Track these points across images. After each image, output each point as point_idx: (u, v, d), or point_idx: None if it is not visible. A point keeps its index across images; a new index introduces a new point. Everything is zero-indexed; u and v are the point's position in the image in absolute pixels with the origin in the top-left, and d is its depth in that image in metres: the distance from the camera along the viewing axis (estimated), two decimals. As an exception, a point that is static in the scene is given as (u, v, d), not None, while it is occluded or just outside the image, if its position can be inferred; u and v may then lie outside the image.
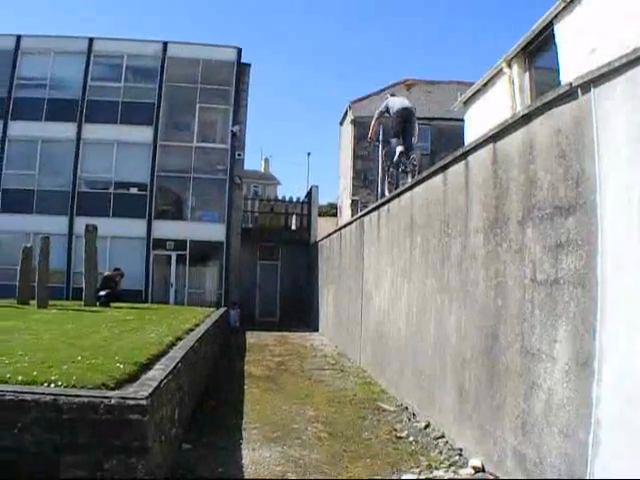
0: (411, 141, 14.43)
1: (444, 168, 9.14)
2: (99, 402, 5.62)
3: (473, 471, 6.88)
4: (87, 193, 29.24)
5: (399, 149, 14.00)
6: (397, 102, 14.86)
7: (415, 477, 6.74)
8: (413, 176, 12.83)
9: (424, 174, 10.28)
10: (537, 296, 5.97)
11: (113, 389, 6.13)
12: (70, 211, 28.57)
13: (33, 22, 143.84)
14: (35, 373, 6.37)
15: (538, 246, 5.99)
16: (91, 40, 29.95)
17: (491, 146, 7.31)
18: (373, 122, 15.69)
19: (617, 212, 4.84)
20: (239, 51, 30.75)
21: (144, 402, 5.71)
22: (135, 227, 28.59)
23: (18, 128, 28.86)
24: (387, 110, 14.88)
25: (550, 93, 5.86)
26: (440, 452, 7.78)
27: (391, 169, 14.96)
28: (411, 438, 8.50)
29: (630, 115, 4.76)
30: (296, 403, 10.74)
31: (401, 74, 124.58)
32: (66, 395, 5.70)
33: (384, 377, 12.52)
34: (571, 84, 5.47)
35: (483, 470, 6.86)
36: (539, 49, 15.68)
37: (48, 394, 5.69)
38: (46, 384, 6.03)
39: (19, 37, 29.75)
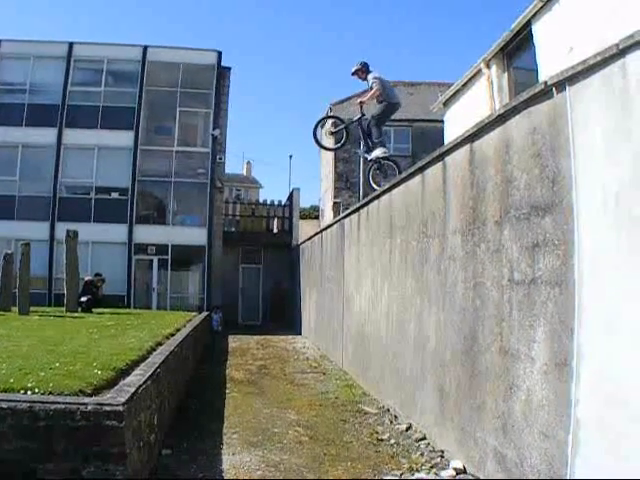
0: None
1: (422, 169, 9.13)
2: (75, 409, 5.59)
3: (454, 473, 6.85)
4: (68, 198, 29.05)
5: (382, 151, 13.25)
6: (393, 91, 13.53)
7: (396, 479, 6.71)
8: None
9: (402, 175, 10.27)
10: (515, 296, 5.95)
11: (90, 395, 6.10)
12: (51, 217, 28.37)
13: (12, 27, 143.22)
14: (12, 380, 6.35)
15: (515, 246, 5.98)
16: (71, 45, 29.78)
17: (468, 147, 7.30)
18: (375, 90, 13.03)
19: (593, 210, 4.83)
20: (219, 54, 30.64)
21: (121, 408, 5.68)
22: (116, 232, 28.41)
23: None
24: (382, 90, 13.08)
25: (525, 92, 5.85)
26: (422, 454, 7.76)
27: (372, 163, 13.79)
28: (392, 440, 8.48)
29: (606, 112, 4.76)
30: (277, 407, 10.69)
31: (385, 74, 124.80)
32: (42, 402, 5.67)
33: (366, 379, 12.49)
34: (546, 83, 5.46)
35: (464, 472, 6.84)
36: (517, 49, 15.68)
37: (24, 401, 5.66)
38: (22, 391, 5.99)
39: None
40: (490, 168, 6.64)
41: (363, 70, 13.35)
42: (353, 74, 13.54)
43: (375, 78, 13.03)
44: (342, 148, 15.20)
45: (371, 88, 13.05)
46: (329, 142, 14.22)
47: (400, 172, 13.02)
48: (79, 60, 29.97)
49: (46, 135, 28.78)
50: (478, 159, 7.01)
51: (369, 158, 13.54)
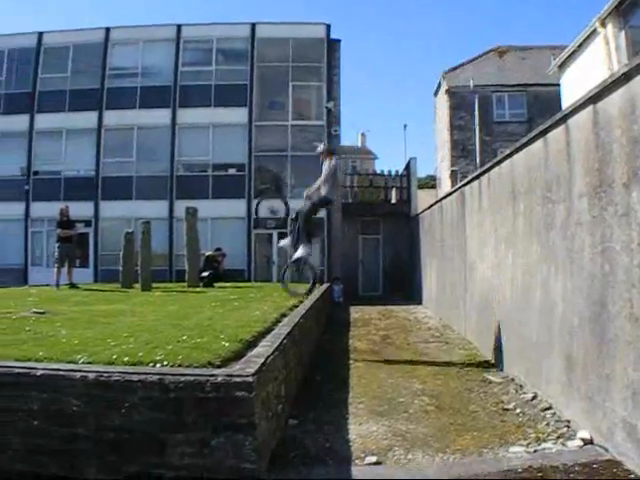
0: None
1: (544, 133, 8.91)
2: (205, 380, 5.71)
3: (582, 443, 6.69)
4: (185, 176, 30.07)
5: (306, 251, 12.64)
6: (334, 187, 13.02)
7: (523, 450, 6.61)
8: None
9: (523, 140, 10.04)
10: (646, 261, 5.76)
11: (219, 367, 6.23)
12: (170, 195, 29.37)
13: (117, 14, 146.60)
14: (141, 354, 6.56)
15: (645, 209, 5.77)
16: (179, 27, 30.83)
17: (590, 108, 7.06)
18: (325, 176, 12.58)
19: None
20: (328, 27, 30.83)
21: (250, 379, 5.75)
22: (235, 207, 29.03)
23: (113, 117, 29.94)
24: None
25: (651, 48, 5.63)
26: (547, 424, 7.60)
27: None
28: (518, 410, 8.34)
29: None
30: (402, 376, 10.66)
31: (491, 40, 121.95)
32: (172, 374, 5.82)
33: (489, 348, 12.35)
34: (673, 37, 5.24)
35: (592, 442, 6.67)
36: (633, 5, 15.07)
37: (154, 374, 5.81)
38: (152, 364, 6.17)
39: (108, 29, 30.94)
40: (615, 129, 6.40)
41: (329, 153, 12.78)
42: (319, 155, 13.01)
43: (332, 166, 12.53)
44: None
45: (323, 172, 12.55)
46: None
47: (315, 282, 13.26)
48: (188, 41, 30.96)
49: (160, 116, 29.89)
50: (602, 120, 6.77)
51: (293, 257, 12.95)
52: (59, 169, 31.06)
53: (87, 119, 30.40)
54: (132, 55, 31.02)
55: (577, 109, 7.55)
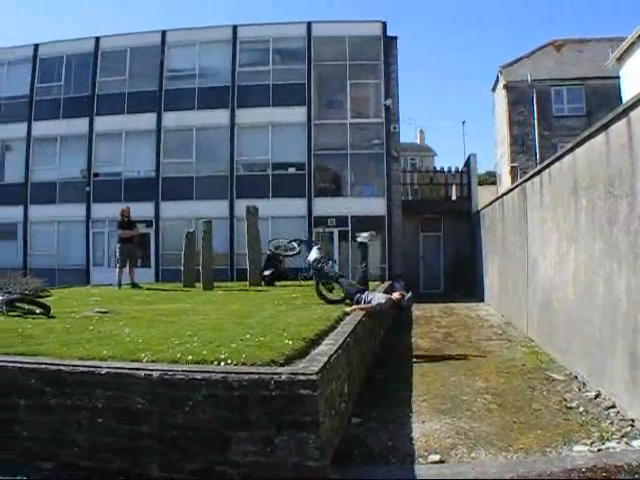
0: None
1: (605, 126, 8.78)
2: (269, 378, 5.75)
3: (647, 443, 6.62)
4: (245, 176, 30.47)
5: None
6: None
7: (587, 449, 6.55)
8: None
9: (585, 134, 9.90)
10: None
11: (282, 365, 6.29)
12: (230, 195, 29.74)
13: (171, 17, 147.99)
14: (204, 352, 6.68)
15: None
16: (235, 28, 31.19)
17: (653, 100, 6.96)
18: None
19: None
20: (384, 25, 30.85)
21: (314, 377, 5.79)
22: (295, 206, 29.26)
23: (172, 118, 30.59)
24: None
25: None
26: (611, 423, 7.51)
27: None
28: (581, 408, 8.26)
29: None
30: (464, 374, 10.63)
31: (547, 34, 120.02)
32: (236, 373, 5.88)
33: (552, 346, 12.21)
34: None
35: (657, 442, 6.59)
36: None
37: (218, 372, 5.90)
38: (216, 363, 6.27)
39: (164, 32, 31.65)
40: (679, 122, 6.31)
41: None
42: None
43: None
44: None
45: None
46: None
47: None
48: (244, 42, 31.30)
49: (219, 116, 30.39)
50: (665, 113, 6.67)
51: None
52: (119, 170, 31.68)
53: (146, 121, 31.03)
54: (189, 57, 31.52)
55: (639, 102, 7.44)
